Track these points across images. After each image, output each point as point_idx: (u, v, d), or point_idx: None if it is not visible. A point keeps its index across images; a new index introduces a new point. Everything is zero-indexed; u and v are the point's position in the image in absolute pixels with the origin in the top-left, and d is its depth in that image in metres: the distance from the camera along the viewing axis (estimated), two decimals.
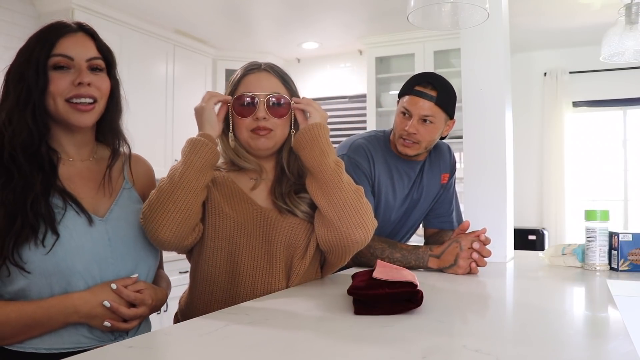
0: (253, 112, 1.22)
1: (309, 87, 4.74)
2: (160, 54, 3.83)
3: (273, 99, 1.22)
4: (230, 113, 1.25)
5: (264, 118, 1.21)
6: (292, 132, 1.26)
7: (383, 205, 1.75)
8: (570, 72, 4.33)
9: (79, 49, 1.08)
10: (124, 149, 1.21)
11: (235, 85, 1.27)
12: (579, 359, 0.76)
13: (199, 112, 1.21)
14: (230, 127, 1.25)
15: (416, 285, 0.98)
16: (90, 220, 1.06)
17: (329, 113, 5.02)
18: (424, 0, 1.39)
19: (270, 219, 1.23)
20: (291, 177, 1.30)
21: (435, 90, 1.63)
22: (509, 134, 1.86)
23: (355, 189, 1.21)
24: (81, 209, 1.06)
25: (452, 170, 1.91)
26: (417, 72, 4.02)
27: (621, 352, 0.77)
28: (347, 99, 4.66)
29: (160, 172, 3.96)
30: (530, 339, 0.84)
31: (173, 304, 1.37)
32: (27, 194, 1.00)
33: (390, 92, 4.29)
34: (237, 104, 1.23)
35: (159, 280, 1.24)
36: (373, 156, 1.71)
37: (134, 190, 1.21)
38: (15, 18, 3.11)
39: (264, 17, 3.75)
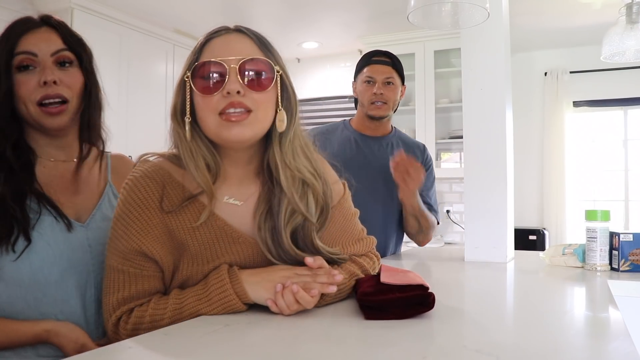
0: (222, 86, 0.89)
1: (308, 87, 4.74)
2: (160, 54, 3.82)
3: (249, 66, 0.90)
4: (187, 94, 0.92)
5: (238, 92, 0.88)
6: (280, 109, 0.94)
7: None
8: (571, 72, 4.33)
9: (42, 44, 1.00)
10: (103, 148, 1.13)
11: (196, 54, 0.93)
12: None
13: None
14: (187, 111, 0.92)
15: (427, 288, 0.96)
16: (69, 226, 0.99)
17: (329, 113, 5.05)
18: (424, 0, 1.38)
19: (260, 256, 0.96)
20: (290, 194, 0.95)
21: (389, 57, 1.98)
22: (510, 134, 1.86)
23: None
24: (59, 214, 0.99)
25: (426, 165, 2.00)
26: (417, 71, 4.07)
27: (622, 352, 0.77)
28: (347, 99, 4.65)
29: None
30: (531, 339, 0.83)
31: None
32: None
33: None
34: (198, 78, 0.91)
35: None
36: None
37: (117, 192, 1.13)
38: (15, 18, 3.09)
39: (264, 17, 3.75)
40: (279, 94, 0.95)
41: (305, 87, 4.71)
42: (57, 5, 3.16)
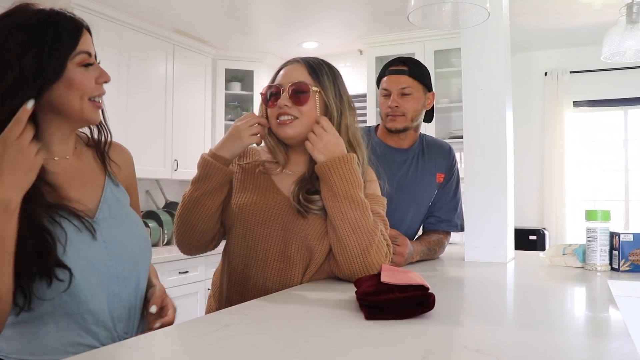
0: (278, 101, 1.29)
1: None
2: (160, 54, 3.82)
3: (294, 88, 1.28)
4: (261, 105, 1.35)
5: (285, 105, 1.28)
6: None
7: None
8: (571, 72, 4.33)
9: (91, 47, 1.08)
10: (109, 140, 1.15)
11: (273, 78, 1.36)
12: None
13: (233, 131, 1.28)
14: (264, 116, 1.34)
15: (428, 288, 0.96)
16: (92, 235, 1.01)
17: None
18: (424, 0, 1.38)
19: (291, 209, 1.29)
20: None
21: (405, 65, 1.85)
22: (510, 134, 1.86)
23: (369, 233, 1.22)
24: (82, 223, 1.00)
25: (449, 171, 1.91)
26: None
27: (622, 352, 0.77)
28: None
29: (160, 172, 3.99)
30: (531, 339, 0.83)
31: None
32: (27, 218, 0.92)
33: None
34: (267, 95, 1.32)
35: (150, 273, 1.19)
36: None
37: (117, 182, 1.15)
38: None
39: (264, 17, 3.75)
40: (322, 107, 1.31)
41: None
42: (57, 5, 3.16)
